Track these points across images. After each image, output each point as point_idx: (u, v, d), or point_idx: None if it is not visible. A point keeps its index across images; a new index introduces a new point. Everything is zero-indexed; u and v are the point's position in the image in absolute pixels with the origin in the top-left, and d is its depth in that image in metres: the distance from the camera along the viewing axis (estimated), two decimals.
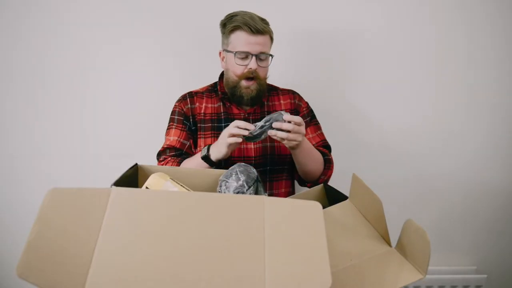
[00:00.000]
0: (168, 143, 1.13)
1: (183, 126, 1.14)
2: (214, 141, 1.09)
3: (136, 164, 0.90)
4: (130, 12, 1.37)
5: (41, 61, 1.39)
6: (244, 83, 1.07)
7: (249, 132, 0.93)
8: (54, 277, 0.48)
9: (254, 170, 0.86)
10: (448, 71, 1.44)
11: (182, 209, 0.56)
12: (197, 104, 1.15)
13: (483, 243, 1.58)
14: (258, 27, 1.02)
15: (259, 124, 0.94)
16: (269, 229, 0.54)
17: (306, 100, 1.23)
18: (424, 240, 0.62)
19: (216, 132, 1.12)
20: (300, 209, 0.57)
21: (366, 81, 1.43)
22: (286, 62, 1.41)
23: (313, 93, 1.42)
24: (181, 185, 0.80)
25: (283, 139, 0.94)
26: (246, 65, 1.05)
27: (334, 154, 1.20)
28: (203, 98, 1.16)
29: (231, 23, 1.04)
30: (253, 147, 1.10)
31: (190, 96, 1.17)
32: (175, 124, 1.15)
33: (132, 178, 0.88)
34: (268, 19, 1.08)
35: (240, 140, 0.93)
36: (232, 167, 0.85)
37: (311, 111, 1.23)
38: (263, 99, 1.15)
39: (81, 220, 0.53)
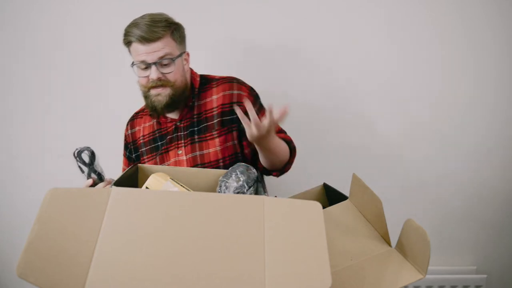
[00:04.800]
0: (122, 171, 1.15)
1: (125, 154, 1.15)
2: (153, 164, 1.06)
3: (136, 164, 0.90)
4: (131, 13, 1.36)
5: (42, 61, 1.39)
6: (153, 91, 0.98)
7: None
8: (54, 277, 0.48)
9: (255, 171, 0.86)
10: (447, 73, 1.43)
11: (182, 209, 0.56)
12: (137, 127, 1.12)
13: (483, 243, 1.58)
14: (148, 36, 0.92)
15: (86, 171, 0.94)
16: (269, 229, 0.54)
17: (249, 85, 1.07)
18: (424, 240, 0.62)
19: (154, 153, 1.07)
20: (300, 209, 0.57)
21: (366, 82, 1.43)
22: (284, 62, 1.41)
23: (314, 94, 1.42)
24: (181, 185, 0.80)
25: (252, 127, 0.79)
26: (149, 76, 0.96)
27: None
28: (142, 118, 1.12)
29: (124, 37, 0.98)
30: (185, 158, 1.03)
31: (131, 120, 1.14)
32: (123, 150, 1.16)
33: (132, 178, 0.88)
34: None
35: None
36: (232, 167, 0.85)
37: (256, 97, 1.07)
38: (189, 100, 1.05)
39: (81, 220, 0.53)
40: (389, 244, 0.73)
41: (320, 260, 0.51)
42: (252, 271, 0.50)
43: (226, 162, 1.03)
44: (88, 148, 0.94)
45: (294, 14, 1.36)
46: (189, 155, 1.03)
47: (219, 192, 0.82)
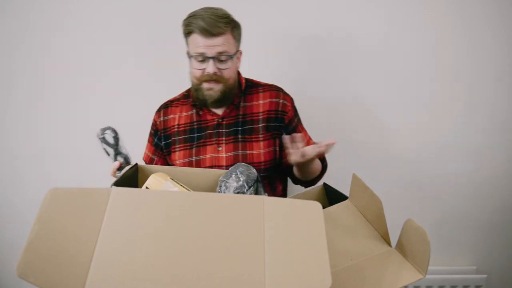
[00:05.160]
0: (143, 157, 1.15)
1: (152, 140, 1.14)
2: (185, 154, 1.06)
3: (136, 164, 0.90)
4: (131, 13, 1.36)
5: (43, 62, 1.39)
6: (205, 85, 1.00)
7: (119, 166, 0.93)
8: (54, 277, 0.48)
9: (254, 171, 0.86)
10: (448, 73, 1.43)
11: (182, 209, 0.56)
12: (171, 115, 1.10)
13: (483, 243, 1.58)
14: (212, 30, 0.94)
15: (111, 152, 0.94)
16: (269, 229, 0.54)
17: (290, 96, 1.13)
18: (424, 240, 0.62)
19: (188, 144, 1.06)
20: (300, 209, 0.57)
21: (366, 82, 1.43)
22: (288, 58, 1.41)
23: (315, 92, 1.43)
24: (181, 185, 0.80)
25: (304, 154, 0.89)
26: (204, 69, 0.97)
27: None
28: (178, 107, 1.11)
29: (186, 27, 0.98)
30: (224, 155, 1.04)
31: (165, 107, 1.12)
32: (149, 136, 1.15)
33: (132, 178, 0.88)
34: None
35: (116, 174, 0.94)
36: (232, 167, 0.85)
37: (296, 109, 1.13)
38: (235, 99, 1.06)
39: (81, 220, 0.53)
40: (389, 244, 0.73)
41: (320, 260, 0.51)
42: (252, 271, 0.50)
43: (267, 165, 1.04)
44: (110, 128, 0.92)
45: (293, 14, 1.36)
46: (230, 153, 1.04)
47: (219, 192, 0.82)
